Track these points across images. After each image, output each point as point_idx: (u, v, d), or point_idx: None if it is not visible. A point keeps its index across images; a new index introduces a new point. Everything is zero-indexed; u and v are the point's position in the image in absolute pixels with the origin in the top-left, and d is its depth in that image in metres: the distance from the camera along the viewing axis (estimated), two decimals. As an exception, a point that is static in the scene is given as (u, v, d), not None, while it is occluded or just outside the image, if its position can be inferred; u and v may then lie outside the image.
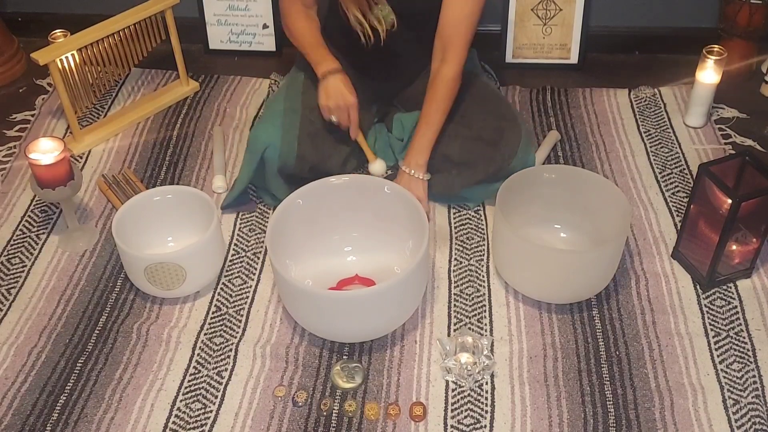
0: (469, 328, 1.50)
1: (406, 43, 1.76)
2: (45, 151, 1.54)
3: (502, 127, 1.67)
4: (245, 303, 1.57)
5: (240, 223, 1.75)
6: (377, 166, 1.75)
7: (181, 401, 1.40)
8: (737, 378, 1.41)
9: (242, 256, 1.67)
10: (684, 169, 1.86)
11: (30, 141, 1.59)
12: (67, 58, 1.88)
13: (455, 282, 1.60)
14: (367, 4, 1.64)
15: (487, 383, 1.41)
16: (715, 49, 1.91)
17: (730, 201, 1.43)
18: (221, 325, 1.53)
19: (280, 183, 1.71)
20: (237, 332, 1.51)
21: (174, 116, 2.08)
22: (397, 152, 1.82)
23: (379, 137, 1.88)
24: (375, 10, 1.66)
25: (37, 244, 1.71)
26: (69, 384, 1.43)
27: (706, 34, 2.13)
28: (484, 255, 1.66)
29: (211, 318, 1.54)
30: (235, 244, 1.70)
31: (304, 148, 1.66)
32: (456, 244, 1.69)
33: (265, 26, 2.28)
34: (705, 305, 1.54)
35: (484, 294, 1.57)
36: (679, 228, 1.67)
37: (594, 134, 1.98)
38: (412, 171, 1.68)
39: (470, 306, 1.55)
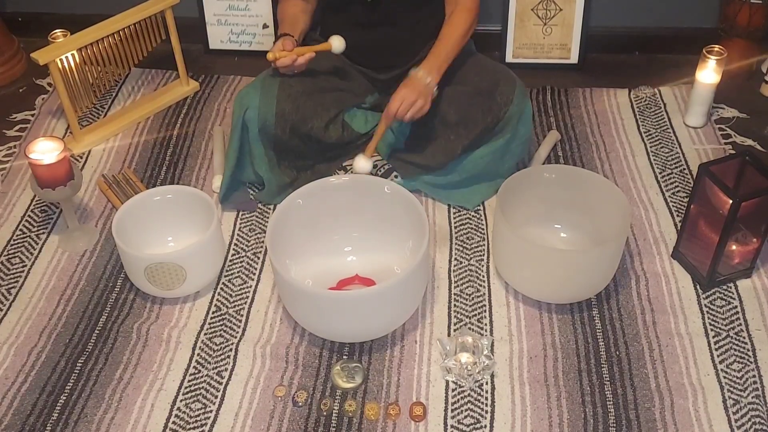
0: (469, 328, 1.50)
1: (404, 28, 1.78)
2: (45, 151, 1.54)
3: (497, 78, 1.70)
4: (245, 303, 1.57)
5: (240, 223, 1.75)
6: (336, 42, 1.68)
7: (181, 401, 1.40)
8: (737, 378, 1.41)
9: (242, 256, 1.67)
10: (684, 169, 1.86)
11: (30, 141, 1.59)
12: (67, 58, 1.88)
13: (455, 282, 1.60)
14: None
15: (487, 383, 1.41)
16: (715, 49, 1.91)
17: (730, 201, 1.43)
18: (221, 325, 1.53)
19: (261, 154, 1.71)
20: (237, 332, 1.51)
21: (174, 116, 2.08)
22: (395, 129, 1.81)
23: (377, 121, 1.88)
24: None
25: (37, 244, 1.71)
26: (69, 384, 1.43)
27: (706, 34, 2.13)
28: (484, 255, 1.66)
29: (211, 318, 1.54)
30: (235, 244, 1.70)
31: (283, 105, 1.68)
32: (456, 244, 1.69)
33: (265, 26, 2.28)
34: (705, 305, 1.54)
35: (484, 294, 1.57)
36: (679, 228, 1.67)
37: (594, 134, 1.98)
38: (421, 72, 1.63)
39: (470, 306, 1.55)
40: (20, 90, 2.21)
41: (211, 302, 1.58)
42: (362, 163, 1.66)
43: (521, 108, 1.69)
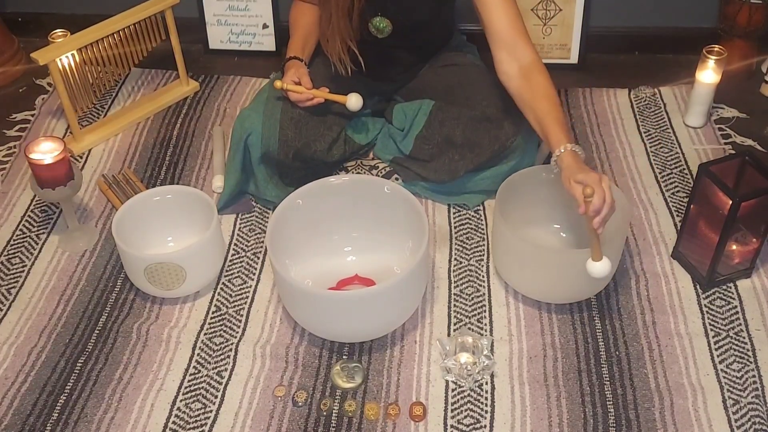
0: (469, 328, 1.50)
1: (405, 49, 1.78)
2: (45, 151, 1.54)
3: (506, 106, 1.67)
4: (245, 303, 1.57)
5: (240, 223, 1.75)
6: (353, 100, 1.71)
7: (181, 401, 1.40)
8: (737, 378, 1.41)
9: (242, 256, 1.67)
10: (684, 169, 1.86)
11: (30, 141, 1.59)
12: (67, 58, 1.88)
13: (455, 282, 1.60)
14: (351, 30, 1.67)
15: (487, 383, 1.41)
16: (715, 49, 1.91)
17: (730, 201, 1.43)
18: (221, 325, 1.53)
19: (263, 174, 1.71)
20: (237, 332, 1.51)
21: (174, 116, 2.08)
22: (399, 142, 1.81)
23: (379, 129, 1.89)
24: (374, 22, 1.69)
25: (37, 244, 1.71)
26: (69, 384, 1.43)
27: (706, 34, 2.13)
28: (484, 255, 1.66)
29: (211, 318, 1.54)
30: (235, 244, 1.70)
31: (286, 132, 1.67)
32: (456, 244, 1.69)
33: (265, 26, 2.28)
34: (705, 305, 1.54)
35: (484, 294, 1.57)
36: (679, 228, 1.67)
37: (594, 134, 1.98)
38: (574, 147, 1.43)
39: (470, 306, 1.55)
40: (20, 90, 2.21)
41: (211, 302, 1.58)
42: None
43: (527, 138, 1.68)
